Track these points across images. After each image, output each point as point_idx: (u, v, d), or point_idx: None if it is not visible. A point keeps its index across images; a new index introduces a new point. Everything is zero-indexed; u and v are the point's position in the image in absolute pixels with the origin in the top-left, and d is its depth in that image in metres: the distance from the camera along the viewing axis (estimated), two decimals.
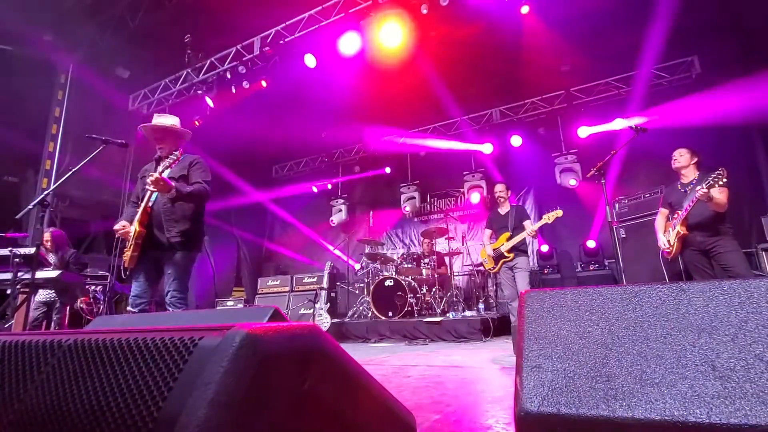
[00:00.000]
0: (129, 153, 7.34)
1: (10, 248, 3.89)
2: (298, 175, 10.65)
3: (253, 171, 9.98)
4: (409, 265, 6.79)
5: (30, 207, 2.92)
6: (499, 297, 6.77)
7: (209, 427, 0.61)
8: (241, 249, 10.23)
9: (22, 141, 6.52)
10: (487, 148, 8.12)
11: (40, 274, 3.97)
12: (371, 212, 9.76)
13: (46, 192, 3.07)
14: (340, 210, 9.66)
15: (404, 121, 8.71)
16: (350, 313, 7.15)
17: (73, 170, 2.89)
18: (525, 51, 6.48)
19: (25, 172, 6.97)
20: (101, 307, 5.54)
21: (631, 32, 6.08)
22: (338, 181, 10.02)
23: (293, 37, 6.22)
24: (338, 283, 8.30)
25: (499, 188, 4.46)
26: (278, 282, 8.41)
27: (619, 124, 6.86)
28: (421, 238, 7.49)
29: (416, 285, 6.28)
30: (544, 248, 7.27)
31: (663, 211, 3.62)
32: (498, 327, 5.45)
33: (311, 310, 6.56)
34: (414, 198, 8.94)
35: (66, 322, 4.91)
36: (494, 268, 4.27)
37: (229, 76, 6.86)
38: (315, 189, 10.03)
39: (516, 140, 7.97)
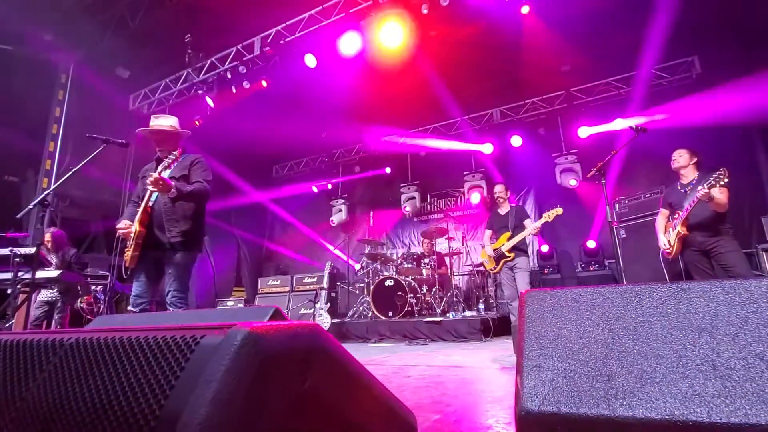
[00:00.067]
0: (129, 153, 7.35)
1: (10, 248, 3.90)
2: (299, 175, 10.66)
3: (254, 171, 9.98)
4: (409, 265, 6.79)
5: (30, 207, 2.93)
6: (499, 297, 6.77)
7: (211, 425, 0.61)
8: (242, 249, 10.24)
9: (22, 141, 6.52)
10: (487, 148, 8.12)
11: (41, 274, 3.98)
12: (371, 212, 9.76)
13: (46, 192, 3.07)
14: (341, 210, 9.66)
15: (404, 121, 8.71)
16: (350, 313, 7.15)
17: (74, 170, 2.89)
18: (525, 51, 6.48)
19: (25, 171, 6.98)
20: (101, 306, 5.55)
21: (631, 32, 6.08)
22: (338, 181, 10.02)
23: (293, 37, 6.23)
24: (338, 283, 8.30)
25: (499, 189, 4.48)
26: (278, 282, 8.42)
27: (619, 124, 6.87)
28: (421, 238, 7.49)
29: (416, 285, 6.28)
30: (545, 248, 7.27)
31: (663, 212, 3.62)
32: (498, 327, 5.45)
33: (311, 310, 6.57)
34: (414, 198, 8.94)
35: (67, 321, 4.92)
36: (495, 268, 4.28)
37: (229, 76, 6.87)
38: (315, 189, 10.03)
39: (516, 140, 7.97)
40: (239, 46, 6.74)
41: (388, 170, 9.47)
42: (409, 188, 9.05)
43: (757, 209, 5.56)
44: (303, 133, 8.91)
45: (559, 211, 4.04)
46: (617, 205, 5.70)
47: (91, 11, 6.50)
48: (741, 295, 0.86)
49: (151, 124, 2.91)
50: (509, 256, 4.14)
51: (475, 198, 8.07)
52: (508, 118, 8.15)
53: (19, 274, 3.83)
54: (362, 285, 7.37)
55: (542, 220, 4.12)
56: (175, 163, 2.85)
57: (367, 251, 7.85)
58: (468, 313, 6.05)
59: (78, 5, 6.36)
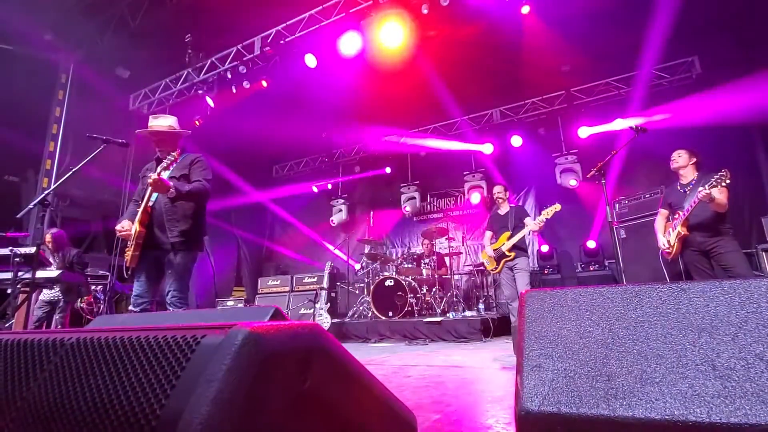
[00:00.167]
0: (129, 153, 7.35)
1: (10, 248, 3.90)
2: (299, 175, 10.65)
3: (254, 171, 9.98)
4: (409, 265, 6.80)
5: (30, 206, 2.93)
6: (499, 297, 6.77)
7: (212, 425, 0.61)
8: (242, 249, 10.24)
9: (22, 141, 6.52)
10: (487, 149, 8.12)
11: (41, 274, 3.98)
12: (371, 212, 9.76)
13: (46, 191, 3.07)
14: (341, 210, 9.66)
15: (404, 121, 8.71)
16: (350, 313, 7.15)
17: (74, 170, 2.89)
18: (525, 51, 6.48)
19: (25, 171, 6.98)
20: (101, 306, 5.55)
21: (631, 32, 6.08)
22: (338, 181, 10.02)
23: (294, 37, 6.23)
24: (338, 283, 8.30)
25: (498, 189, 4.50)
26: (278, 282, 8.42)
27: (619, 124, 6.86)
28: (421, 238, 7.49)
29: (416, 285, 6.28)
30: (544, 248, 7.27)
31: (663, 212, 3.62)
32: (498, 327, 5.45)
33: (311, 310, 6.57)
34: (414, 198, 8.94)
35: (67, 321, 4.92)
36: (496, 268, 4.29)
37: (229, 75, 6.87)
38: (315, 189, 10.03)
39: (516, 140, 7.96)
40: (239, 46, 6.74)
41: (388, 170, 9.47)
42: (409, 188, 9.05)
43: (757, 209, 5.56)
44: (303, 133, 8.91)
45: (557, 207, 4.06)
46: (617, 206, 5.70)
47: (91, 11, 6.51)
48: (741, 295, 0.86)
49: (149, 124, 2.91)
50: (509, 256, 4.15)
51: (475, 198, 8.07)
52: (508, 118, 8.15)
53: (19, 273, 3.83)
54: (362, 285, 7.37)
55: (542, 218, 4.13)
56: (175, 163, 2.85)
57: (367, 251, 7.86)
58: (468, 313, 6.05)
59: (78, 5, 6.37)
